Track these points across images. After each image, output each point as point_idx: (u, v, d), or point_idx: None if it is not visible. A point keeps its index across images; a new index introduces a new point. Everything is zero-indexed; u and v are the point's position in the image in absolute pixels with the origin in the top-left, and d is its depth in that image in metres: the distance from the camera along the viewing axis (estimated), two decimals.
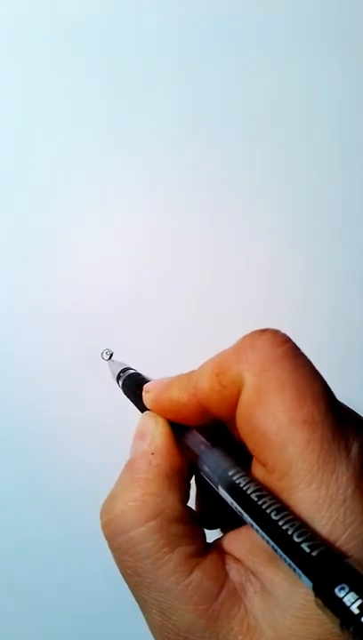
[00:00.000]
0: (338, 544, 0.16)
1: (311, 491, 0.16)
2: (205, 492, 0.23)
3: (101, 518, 0.20)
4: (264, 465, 0.18)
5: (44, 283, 0.34)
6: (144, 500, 0.20)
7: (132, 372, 0.30)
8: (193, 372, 0.21)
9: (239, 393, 0.19)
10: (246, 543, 0.18)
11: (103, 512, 0.20)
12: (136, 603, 0.19)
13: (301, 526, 0.16)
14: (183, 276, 0.35)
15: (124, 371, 0.30)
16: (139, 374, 0.29)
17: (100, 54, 0.34)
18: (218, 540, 0.20)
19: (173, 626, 0.18)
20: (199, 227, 0.35)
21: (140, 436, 0.22)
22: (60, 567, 0.36)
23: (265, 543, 0.17)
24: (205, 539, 0.20)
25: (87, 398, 0.35)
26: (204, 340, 0.36)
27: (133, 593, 0.19)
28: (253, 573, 0.18)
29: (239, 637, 0.17)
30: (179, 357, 0.35)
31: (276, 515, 0.16)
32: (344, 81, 0.35)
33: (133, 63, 0.34)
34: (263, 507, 0.17)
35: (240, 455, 0.21)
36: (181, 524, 0.19)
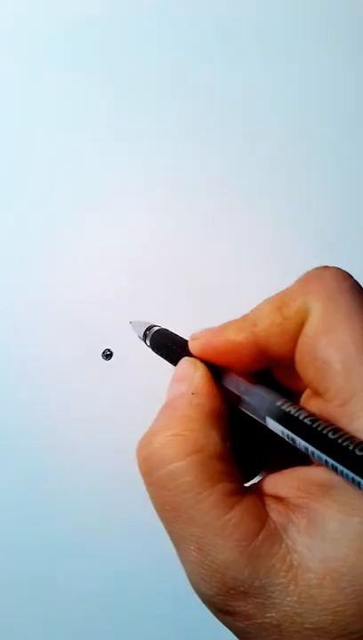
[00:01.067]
0: None
1: None
2: (242, 439, 0.22)
3: (139, 453, 0.20)
4: (323, 393, 0.17)
5: (44, 283, 0.34)
6: (186, 434, 0.19)
7: (158, 327, 0.29)
8: (248, 314, 0.21)
9: (303, 324, 0.18)
10: (293, 481, 0.18)
11: (141, 447, 0.20)
12: (171, 541, 0.19)
13: (361, 442, 0.16)
14: (183, 276, 0.35)
15: (149, 328, 0.30)
16: (166, 330, 0.29)
17: (100, 54, 0.34)
18: (257, 483, 0.20)
19: (211, 562, 0.17)
20: (200, 227, 0.35)
21: (178, 379, 0.22)
22: (60, 567, 0.36)
23: (317, 477, 0.17)
24: (244, 480, 0.20)
25: (87, 398, 0.35)
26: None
27: (168, 529, 0.19)
28: (296, 512, 0.17)
29: (281, 574, 0.16)
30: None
31: (333, 434, 0.16)
32: (345, 81, 0.35)
33: (134, 63, 0.34)
34: (319, 429, 0.17)
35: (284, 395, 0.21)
36: (223, 462, 0.19)
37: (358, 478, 0.16)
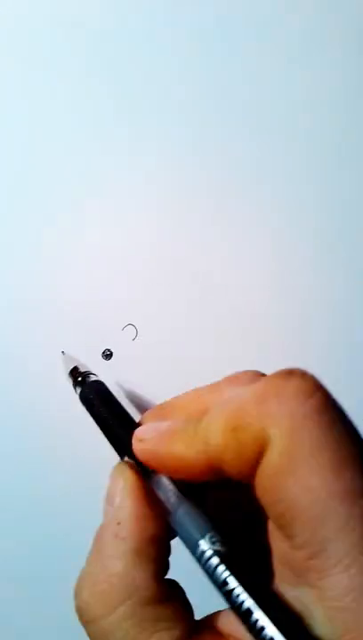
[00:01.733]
0: None
1: (350, 576, 0.14)
2: None
3: (74, 601, 0.18)
4: (289, 538, 0.15)
5: (43, 283, 0.34)
6: (110, 582, 0.17)
7: (93, 378, 0.26)
8: (200, 421, 0.17)
9: (262, 453, 0.16)
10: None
11: (75, 595, 0.18)
12: None
13: (289, 630, 0.13)
14: (183, 276, 0.35)
15: (83, 375, 0.26)
16: (102, 384, 0.25)
17: (100, 54, 0.34)
18: (211, 618, 0.18)
19: None
20: (200, 226, 0.35)
21: (109, 498, 0.20)
22: (59, 567, 0.36)
23: None
24: (192, 617, 0.18)
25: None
26: (204, 341, 0.35)
27: None
28: None
29: None
30: (179, 357, 0.35)
31: (252, 615, 0.14)
32: (347, 81, 0.35)
33: (134, 63, 0.34)
34: (238, 601, 0.14)
35: (235, 505, 0.18)
36: (157, 606, 0.17)
37: None
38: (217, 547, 0.16)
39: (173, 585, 0.18)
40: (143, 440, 0.19)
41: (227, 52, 0.34)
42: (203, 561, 0.16)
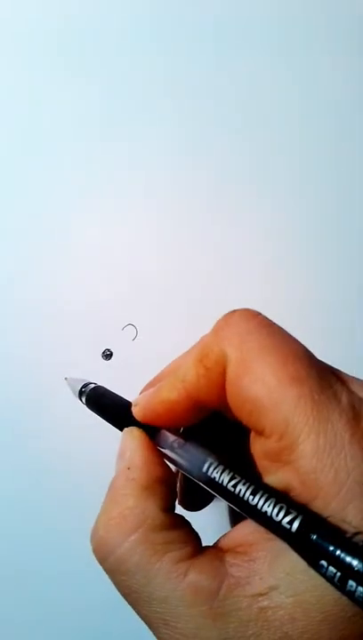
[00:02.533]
0: (344, 491, 0.16)
1: (311, 441, 0.16)
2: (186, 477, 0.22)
3: (91, 544, 0.20)
4: (261, 432, 0.18)
5: (43, 283, 0.34)
6: (123, 515, 0.19)
7: (93, 385, 0.29)
8: (178, 364, 0.21)
9: (224, 371, 0.19)
10: (246, 530, 0.18)
11: (91, 537, 0.20)
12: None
13: (278, 502, 0.16)
14: (184, 276, 0.35)
15: (85, 385, 0.30)
16: (102, 387, 0.29)
17: (100, 54, 0.34)
18: (217, 541, 0.20)
19: (180, 635, 0.17)
20: (200, 227, 0.35)
21: (120, 455, 0.22)
22: (60, 567, 0.36)
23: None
24: (200, 541, 0.20)
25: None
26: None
27: (137, 613, 0.19)
28: (256, 560, 0.17)
29: (251, 624, 0.16)
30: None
31: (253, 498, 0.17)
32: (347, 82, 0.35)
33: (135, 63, 0.34)
34: (240, 494, 0.17)
35: (227, 441, 0.21)
36: (166, 531, 0.19)
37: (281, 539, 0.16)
38: (217, 464, 0.19)
39: (181, 518, 0.21)
40: (137, 404, 0.23)
41: (226, 51, 0.34)
42: (208, 478, 0.19)
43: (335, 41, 0.35)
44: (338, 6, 0.35)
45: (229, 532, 0.19)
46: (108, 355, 0.35)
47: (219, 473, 0.19)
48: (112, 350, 0.35)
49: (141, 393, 0.25)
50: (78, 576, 0.35)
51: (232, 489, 0.18)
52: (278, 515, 0.16)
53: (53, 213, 0.34)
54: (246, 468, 0.19)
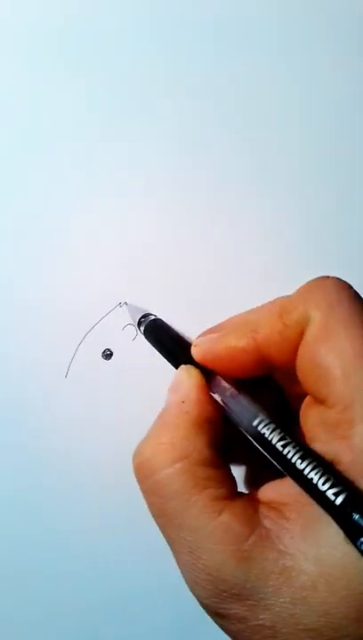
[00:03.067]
0: None
1: None
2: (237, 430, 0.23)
3: (133, 461, 0.21)
4: (324, 400, 0.18)
5: (43, 283, 0.34)
6: (173, 442, 0.20)
7: (154, 317, 0.30)
8: (250, 316, 0.21)
9: (303, 332, 0.19)
10: (286, 488, 0.18)
11: (135, 455, 0.21)
12: (167, 544, 0.19)
13: (325, 472, 0.16)
14: (183, 277, 0.35)
15: (145, 316, 0.30)
16: (162, 320, 0.29)
17: (100, 54, 0.34)
18: (251, 490, 0.20)
19: (203, 565, 0.18)
20: (200, 227, 0.35)
21: (173, 389, 0.23)
22: (60, 567, 0.36)
23: None
24: (236, 485, 0.20)
25: (87, 398, 0.35)
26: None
27: (163, 533, 0.20)
28: (290, 519, 0.17)
29: (273, 576, 0.17)
30: None
31: (301, 462, 0.17)
32: (347, 82, 0.35)
33: (135, 63, 0.34)
34: (288, 456, 0.17)
35: (277, 407, 0.21)
36: (209, 468, 0.19)
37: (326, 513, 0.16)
38: (268, 422, 0.19)
39: (223, 459, 0.21)
40: (199, 344, 0.23)
41: (226, 51, 0.34)
42: (258, 432, 0.19)
43: (335, 41, 0.35)
44: (338, 6, 0.35)
45: (265, 485, 0.20)
46: (108, 355, 0.35)
47: (269, 430, 0.19)
48: (112, 350, 0.35)
49: (199, 336, 0.25)
50: (78, 576, 0.35)
51: (281, 448, 0.18)
52: (324, 484, 0.16)
53: (53, 213, 0.34)
54: (293, 433, 0.19)
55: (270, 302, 0.21)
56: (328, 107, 0.35)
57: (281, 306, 0.20)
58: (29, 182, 0.34)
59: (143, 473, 0.20)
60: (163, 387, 0.35)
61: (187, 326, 0.35)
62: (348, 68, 0.35)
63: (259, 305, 0.22)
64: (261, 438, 0.19)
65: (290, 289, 0.36)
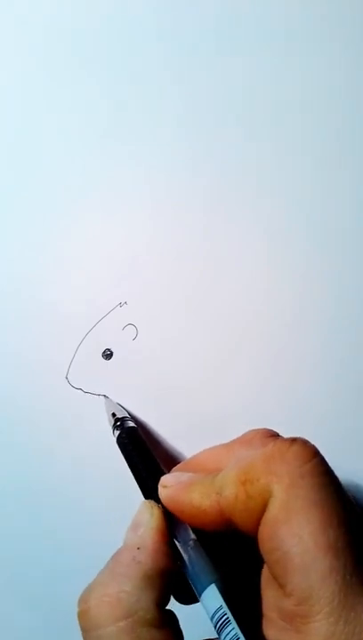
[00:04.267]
0: None
1: (329, 624, 0.16)
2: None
3: (78, 606, 0.20)
4: (282, 586, 0.17)
5: (43, 283, 0.34)
6: (119, 597, 0.19)
7: (130, 425, 0.29)
8: (216, 475, 0.20)
9: (265, 506, 0.18)
10: None
11: (80, 601, 0.20)
12: None
13: None
14: (184, 277, 0.35)
15: (121, 420, 0.30)
16: (137, 431, 0.29)
17: (100, 54, 0.34)
18: None
19: None
20: (200, 228, 0.35)
21: (133, 526, 0.22)
22: (60, 568, 0.36)
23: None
24: None
25: (87, 398, 0.35)
26: (205, 340, 0.36)
27: None
28: None
29: None
30: (179, 357, 0.35)
31: None
32: (346, 81, 0.35)
33: (133, 63, 0.34)
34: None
35: (239, 555, 0.21)
36: (154, 629, 0.19)
37: None
38: (219, 594, 0.19)
39: (171, 615, 0.20)
40: (166, 486, 0.22)
41: (226, 51, 0.34)
42: (208, 603, 0.18)
43: (336, 41, 0.35)
44: (338, 6, 0.35)
45: None
46: (108, 354, 0.35)
47: (221, 603, 0.18)
48: (112, 350, 0.35)
49: (172, 470, 0.24)
50: (77, 577, 0.35)
51: (226, 632, 0.17)
52: None
53: (53, 214, 0.34)
54: (249, 601, 0.19)
55: (239, 459, 0.20)
56: (329, 106, 0.35)
57: (245, 472, 0.19)
58: (29, 183, 0.34)
59: (86, 624, 0.19)
60: (163, 386, 0.35)
61: (187, 326, 0.35)
62: (348, 68, 0.35)
63: (230, 448, 0.22)
64: (212, 612, 0.18)
65: (290, 289, 0.36)
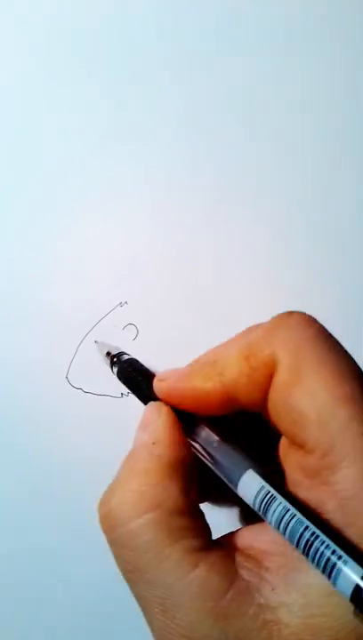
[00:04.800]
0: None
1: (357, 467, 0.16)
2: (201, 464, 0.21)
3: (99, 511, 0.19)
4: (302, 445, 0.17)
5: (43, 283, 0.34)
6: (143, 490, 0.18)
7: (128, 357, 0.29)
8: (216, 356, 0.20)
9: (272, 375, 0.18)
10: (267, 536, 0.18)
11: (101, 504, 0.19)
12: (137, 602, 0.18)
13: (331, 538, 0.15)
14: (184, 277, 0.35)
15: (119, 355, 0.29)
16: (137, 360, 0.28)
17: (100, 54, 0.34)
18: (227, 537, 0.19)
19: (176, 625, 0.16)
20: (199, 228, 0.35)
21: (143, 427, 0.21)
22: (59, 569, 0.36)
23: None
24: (211, 534, 0.19)
25: (87, 398, 0.35)
26: (204, 340, 0.35)
27: (132, 591, 0.18)
28: (270, 569, 0.17)
29: (253, 633, 0.16)
30: (179, 357, 0.35)
31: (310, 533, 0.16)
32: (346, 81, 0.35)
33: (133, 63, 0.34)
34: (298, 525, 0.16)
35: (255, 447, 0.20)
36: (183, 517, 0.18)
37: (329, 580, 0.15)
38: (258, 477, 0.18)
39: (196, 504, 0.20)
40: (164, 379, 0.21)
41: (226, 51, 0.34)
42: (247, 489, 0.18)
43: (335, 41, 0.35)
44: (338, 6, 0.35)
45: (241, 530, 0.19)
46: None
47: (262, 484, 0.18)
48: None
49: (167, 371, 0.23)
50: (78, 578, 0.35)
51: (289, 516, 0.17)
52: (334, 553, 0.15)
53: (53, 215, 0.34)
54: (276, 476, 0.18)
55: (238, 339, 0.20)
56: (328, 107, 0.35)
57: (247, 346, 0.19)
58: (29, 184, 0.34)
59: (110, 524, 0.19)
60: None
61: (188, 326, 0.35)
62: (348, 68, 0.35)
63: (227, 340, 0.21)
64: (263, 502, 0.18)
65: (290, 289, 0.36)
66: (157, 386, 0.22)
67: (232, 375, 0.19)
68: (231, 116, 0.35)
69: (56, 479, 0.35)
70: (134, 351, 0.35)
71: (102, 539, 0.33)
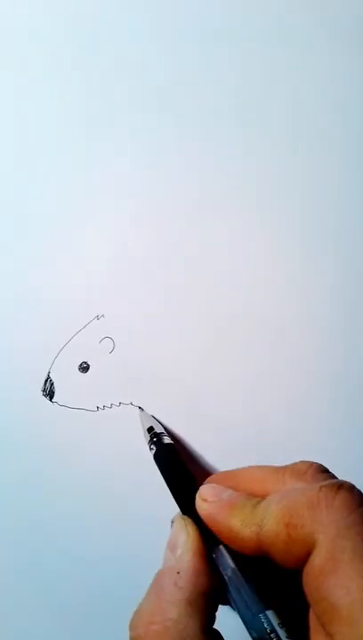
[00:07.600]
0: None
1: None
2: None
3: (130, 632, 0.20)
4: (330, 635, 0.17)
5: (43, 283, 0.34)
6: (166, 625, 0.19)
7: (168, 440, 0.29)
8: (259, 503, 0.20)
9: (309, 553, 0.18)
10: None
11: (131, 627, 0.20)
12: None
13: None
14: (184, 277, 0.35)
15: (157, 435, 0.30)
16: (174, 447, 0.29)
17: (99, 54, 0.34)
18: None
19: None
20: (200, 228, 0.35)
21: (171, 546, 0.22)
22: (60, 570, 0.35)
23: None
24: None
25: (65, 411, 0.35)
26: (184, 353, 0.36)
27: None
28: None
29: None
30: (156, 371, 0.35)
31: None
32: (346, 81, 0.36)
33: (132, 63, 0.34)
34: None
35: (275, 588, 0.21)
36: None
37: None
38: (270, 624, 0.19)
39: (217, 636, 0.21)
40: (206, 501, 0.22)
41: (225, 50, 0.34)
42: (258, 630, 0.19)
43: (335, 41, 0.35)
44: (338, 6, 0.35)
45: None
46: (84, 367, 0.35)
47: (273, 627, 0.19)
48: (89, 363, 0.35)
49: (210, 479, 0.24)
50: (78, 579, 0.35)
51: None
52: None
53: (53, 214, 0.34)
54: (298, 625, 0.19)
55: (281, 497, 0.20)
56: (329, 107, 0.35)
57: (289, 513, 0.19)
58: (30, 186, 0.34)
59: None
60: (140, 401, 0.35)
61: (165, 341, 0.35)
62: (348, 68, 0.35)
63: (276, 470, 0.22)
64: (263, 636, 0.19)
65: (289, 290, 0.36)
66: (199, 504, 0.22)
67: (270, 534, 0.19)
68: (231, 116, 0.35)
69: (57, 477, 0.34)
70: (111, 365, 0.35)
71: (102, 540, 0.33)
